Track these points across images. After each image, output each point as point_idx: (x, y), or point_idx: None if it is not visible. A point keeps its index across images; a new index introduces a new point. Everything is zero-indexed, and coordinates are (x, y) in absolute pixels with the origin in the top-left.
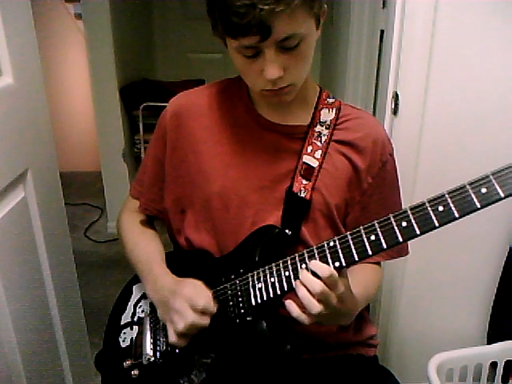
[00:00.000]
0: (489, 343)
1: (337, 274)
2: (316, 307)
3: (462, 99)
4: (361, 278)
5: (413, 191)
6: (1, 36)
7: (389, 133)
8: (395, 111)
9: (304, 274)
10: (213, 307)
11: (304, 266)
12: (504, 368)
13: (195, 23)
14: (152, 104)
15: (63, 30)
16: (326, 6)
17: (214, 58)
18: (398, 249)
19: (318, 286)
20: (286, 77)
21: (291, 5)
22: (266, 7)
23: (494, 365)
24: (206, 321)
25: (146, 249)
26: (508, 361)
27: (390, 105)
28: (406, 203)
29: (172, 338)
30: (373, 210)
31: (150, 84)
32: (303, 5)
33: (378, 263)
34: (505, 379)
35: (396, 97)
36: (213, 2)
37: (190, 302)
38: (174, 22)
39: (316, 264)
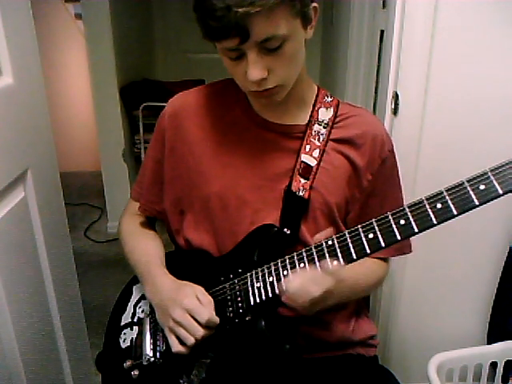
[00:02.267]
0: (489, 343)
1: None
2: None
3: (461, 99)
4: (352, 266)
5: (413, 191)
6: (1, 36)
7: (389, 133)
8: (395, 111)
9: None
10: (216, 319)
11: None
12: (504, 368)
13: (195, 23)
14: (152, 104)
15: (63, 30)
16: (315, 4)
17: (214, 58)
18: (399, 247)
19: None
20: (272, 78)
21: (267, 6)
22: (240, 9)
23: (494, 365)
24: (211, 332)
25: (144, 250)
26: (508, 361)
27: (389, 105)
28: (406, 203)
29: (177, 348)
30: (373, 207)
31: (150, 84)
32: (281, 5)
33: (383, 258)
34: (505, 379)
35: (396, 97)
36: (196, 7)
37: (193, 314)
38: (174, 22)
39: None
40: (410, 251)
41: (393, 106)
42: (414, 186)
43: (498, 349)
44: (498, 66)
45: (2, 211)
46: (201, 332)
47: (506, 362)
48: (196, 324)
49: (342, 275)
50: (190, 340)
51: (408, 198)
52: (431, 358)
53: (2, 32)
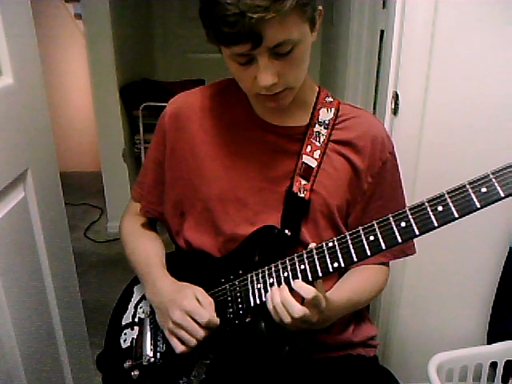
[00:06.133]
0: (489, 343)
1: (321, 295)
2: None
3: (461, 99)
4: (353, 283)
5: (413, 191)
6: (1, 36)
7: (389, 133)
8: (395, 111)
9: (285, 295)
10: (217, 320)
11: (285, 276)
12: (504, 368)
13: (195, 23)
14: (152, 104)
15: (63, 30)
16: (320, 7)
17: (214, 58)
18: (402, 248)
19: (298, 310)
20: (281, 82)
21: (281, 12)
22: (255, 15)
23: (494, 365)
24: (210, 332)
25: (145, 252)
26: (508, 361)
27: (389, 105)
28: (407, 203)
29: (180, 348)
30: (374, 209)
31: (150, 84)
32: (294, 11)
33: (384, 263)
34: (505, 379)
35: (396, 97)
36: (204, 11)
37: (192, 316)
38: (174, 22)
39: (300, 286)
40: (414, 252)
41: (393, 106)
42: (414, 186)
43: (497, 349)
44: (498, 66)
45: (2, 211)
46: (202, 333)
47: (505, 362)
48: (196, 325)
49: (323, 306)
50: (192, 342)
51: (408, 198)
52: (431, 358)
53: (2, 32)
